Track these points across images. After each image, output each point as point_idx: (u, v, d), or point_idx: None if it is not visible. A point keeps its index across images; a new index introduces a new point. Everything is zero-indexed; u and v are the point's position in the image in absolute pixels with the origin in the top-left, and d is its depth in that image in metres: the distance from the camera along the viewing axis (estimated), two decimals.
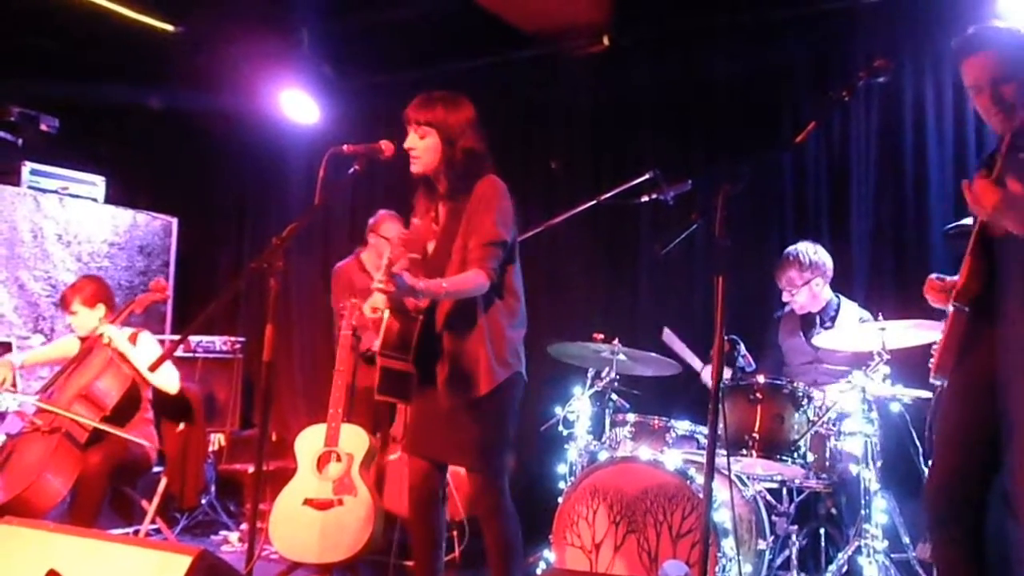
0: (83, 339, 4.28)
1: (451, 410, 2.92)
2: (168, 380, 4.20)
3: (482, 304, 2.93)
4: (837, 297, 4.26)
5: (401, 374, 2.94)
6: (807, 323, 4.26)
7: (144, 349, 4.18)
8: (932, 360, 2.62)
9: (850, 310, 4.19)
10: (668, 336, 4.23)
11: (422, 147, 2.97)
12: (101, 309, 4.24)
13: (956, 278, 2.63)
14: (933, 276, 2.71)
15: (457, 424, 2.93)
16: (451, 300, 2.89)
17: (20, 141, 5.66)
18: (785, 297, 4.22)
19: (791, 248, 4.19)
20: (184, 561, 2.04)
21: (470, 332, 2.91)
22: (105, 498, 4.12)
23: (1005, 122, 2.50)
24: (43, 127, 5.68)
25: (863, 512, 3.47)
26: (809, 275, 4.12)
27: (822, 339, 3.83)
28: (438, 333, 2.93)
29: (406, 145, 2.99)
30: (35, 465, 3.81)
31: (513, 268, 3.04)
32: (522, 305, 3.06)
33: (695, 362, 4.22)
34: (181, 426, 4.61)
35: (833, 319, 4.18)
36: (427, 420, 3.03)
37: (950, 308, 2.54)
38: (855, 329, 3.81)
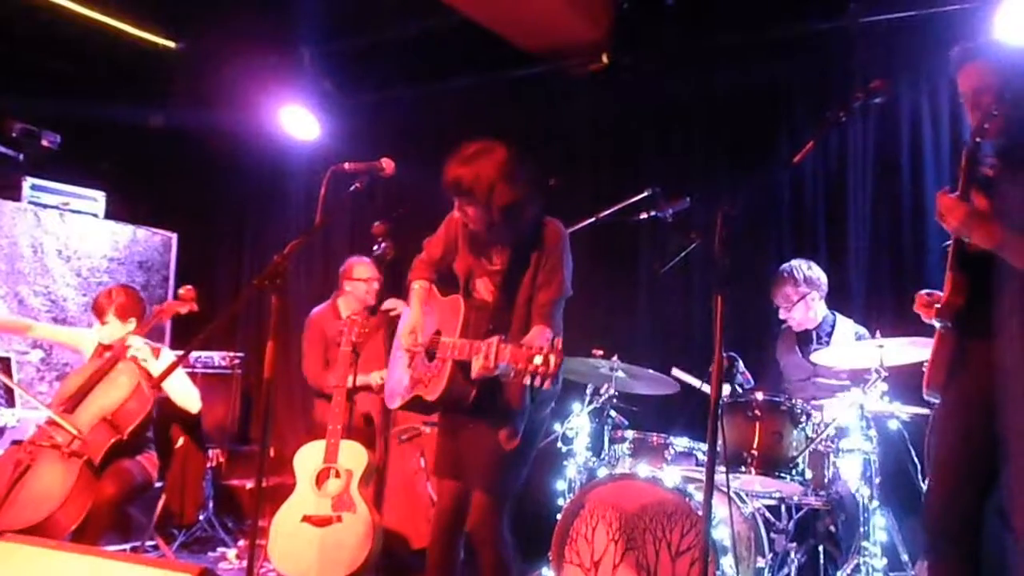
0: (105, 345, 4.19)
1: (477, 433, 2.92)
2: (190, 399, 4.13)
3: None
4: (833, 314, 4.28)
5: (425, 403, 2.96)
6: (804, 340, 4.28)
7: (165, 365, 4.12)
8: (924, 377, 2.63)
9: (846, 327, 4.22)
10: (676, 373, 4.24)
11: (471, 217, 2.96)
12: (132, 323, 4.15)
13: (939, 294, 2.66)
14: (923, 292, 2.73)
15: (482, 444, 2.93)
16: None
17: (21, 156, 5.69)
18: (782, 314, 4.25)
19: (785, 265, 4.23)
20: None
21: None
22: (114, 526, 4.03)
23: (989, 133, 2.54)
24: (44, 143, 5.72)
25: (862, 529, 3.47)
26: (804, 290, 4.16)
27: (820, 356, 3.84)
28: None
29: (455, 215, 3.04)
30: (56, 494, 3.63)
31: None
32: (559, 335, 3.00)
33: (698, 381, 4.22)
34: (180, 442, 4.60)
35: (829, 335, 4.21)
36: (454, 442, 3.03)
37: (936, 325, 2.55)
38: (853, 346, 3.82)
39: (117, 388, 3.92)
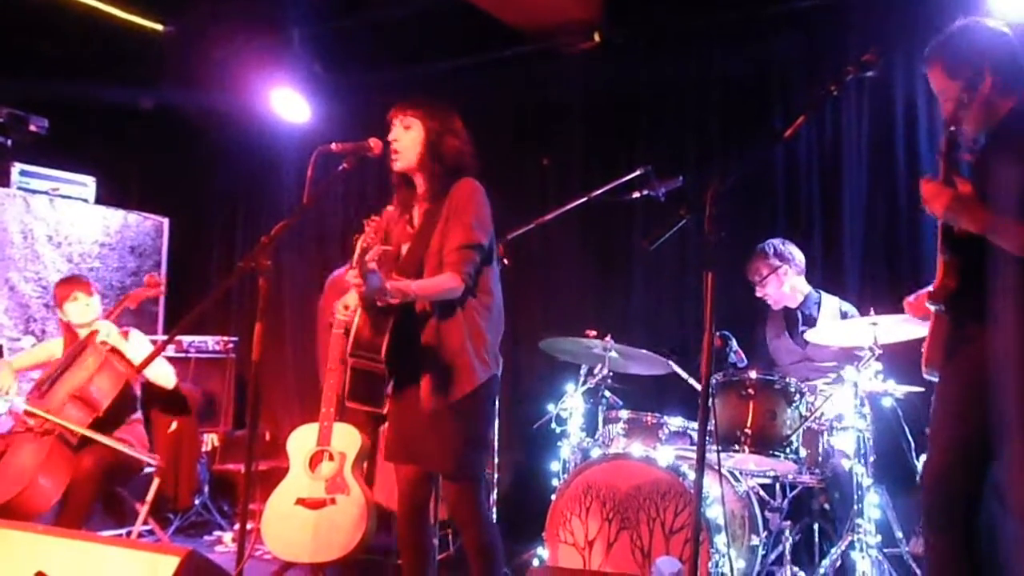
0: (73, 335, 4.25)
1: (430, 413, 2.87)
2: (164, 375, 4.19)
3: (460, 305, 2.89)
4: (817, 292, 4.28)
5: (371, 376, 2.85)
6: (790, 321, 4.27)
7: (136, 346, 4.17)
8: (923, 356, 2.63)
9: (831, 304, 4.21)
10: (671, 363, 4.22)
11: (407, 139, 2.95)
12: (97, 297, 4.28)
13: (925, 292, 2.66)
14: (909, 299, 2.80)
15: (436, 428, 2.87)
16: (429, 301, 2.86)
17: (9, 142, 5.63)
18: (757, 292, 4.25)
19: (761, 244, 4.25)
20: (172, 562, 2.02)
21: (449, 333, 2.87)
22: (96, 501, 4.10)
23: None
24: (32, 128, 5.66)
25: (856, 507, 3.47)
26: (775, 263, 4.18)
27: (814, 336, 3.83)
28: (415, 334, 2.88)
29: (390, 138, 2.97)
30: (28, 468, 3.78)
31: (490, 270, 3.00)
32: (498, 306, 3.02)
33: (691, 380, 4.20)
34: (174, 426, 4.59)
35: (815, 312, 4.21)
36: (406, 425, 2.98)
37: (931, 308, 2.55)
38: (846, 324, 3.81)
39: (83, 369, 4.03)
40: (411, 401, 2.93)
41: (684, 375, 4.05)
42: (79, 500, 3.88)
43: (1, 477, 3.79)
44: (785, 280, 4.21)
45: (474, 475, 2.93)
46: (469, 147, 3.01)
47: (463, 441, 2.88)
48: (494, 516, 3.80)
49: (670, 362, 4.04)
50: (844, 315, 4.11)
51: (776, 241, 4.25)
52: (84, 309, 4.24)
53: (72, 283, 4.30)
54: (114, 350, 4.10)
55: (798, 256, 4.24)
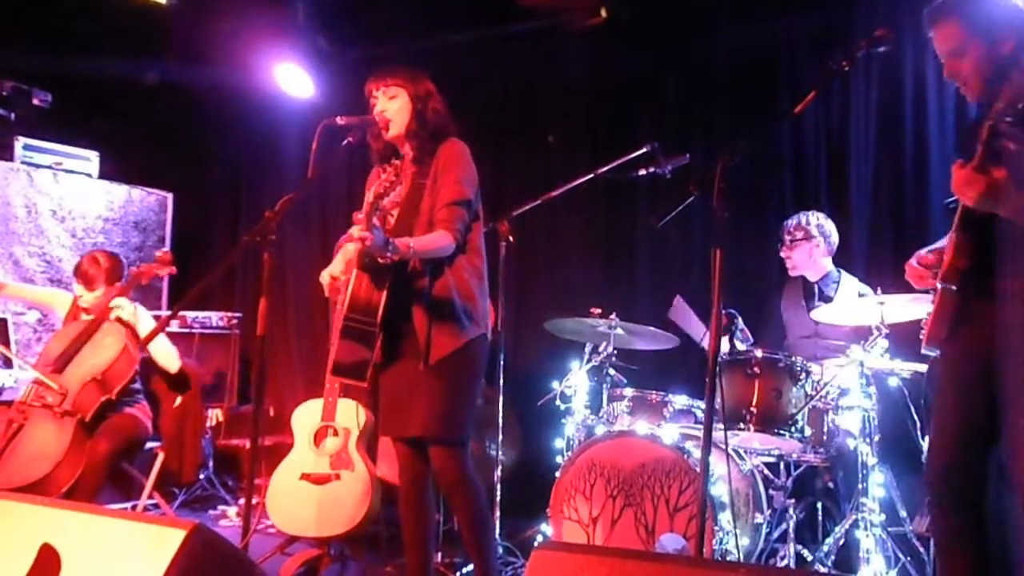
0: (83, 308, 4.18)
1: (417, 375, 2.88)
2: (167, 356, 4.16)
3: (448, 263, 2.92)
4: (838, 271, 4.26)
5: (361, 339, 2.83)
6: (808, 293, 4.27)
7: (143, 324, 4.15)
8: (923, 332, 2.60)
9: (850, 284, 4.19)
10: (679, 303, 4.21)
11: (394, 108, 2.98)
12: (116, 288, 4.18)
13: (927, 250, 2.62)
14: (912, 261, 2.68)
15: (422, 389, 2.88)
16: (417, 260, 2.87)
17: (13, 116, 5.61)
18: (782, 252, 4.24)
19: (805, 211, 4.29)
20: (178, 535, 2.02)
21: (439, 292, 2.89)
22: (106, 483, 4.06)
23: (971, 97, 2.49)
24: (36, 101, 5.64)
25: (860, 486, 3.46)
26: (814, 232, 4.19)
27: (821, 313, 3.81)
28: (408, 293, 2.89)
29: (377, 110, 2.99)
30: (52, 453, 3.68)
31: (478, 227, 3.04)
32: (485, 264, 3.06)
33: (698, 331, 4.19)
34: (178, 401, 4.59)
35: (834, 291, 4.19)
36: (395, 394, 2.99)
37: (938, 286, 2.51)
38: (853, 303, 3.79)
39: (105, 349, 3.93)
40: (400, 368, 2.94)
41: (688, 323, 4.06)
42: (91, 482, 3.78)
43: (20, 457, 3.67)
44: (814, 253, 4.23)
45: (459, 437, 2.92)
46: (447, 109, 3.06)
47: (447, 400, 2.88)
48: (498, 493, 3.80)
49: (679, 299, 4.05)
50: (861, 297, 4.09)
51: (821, 215, 4.27)
52: (97, 299, 4.14)
53: (99, 271, 4.14)
54: (129, 326, 4.02)
55: (834, 237, 4.27)
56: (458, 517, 3.02)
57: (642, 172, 3.98)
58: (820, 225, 4.22)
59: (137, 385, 4.18)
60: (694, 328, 4.22)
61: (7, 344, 4.96)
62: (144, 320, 4.17)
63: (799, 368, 3.58)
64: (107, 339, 3.95)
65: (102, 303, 4.06)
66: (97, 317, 4.01)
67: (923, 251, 2.67)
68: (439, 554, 3.75)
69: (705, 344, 4.12)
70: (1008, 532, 2.41)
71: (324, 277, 2.92)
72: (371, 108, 3.00)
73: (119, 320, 4.00)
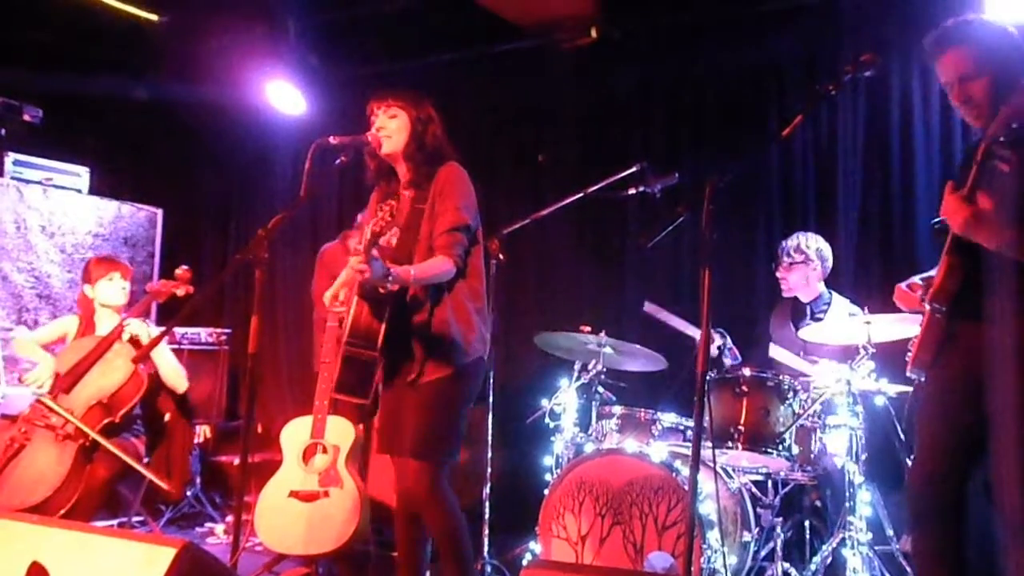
0: (90, 317, 4.15)
1: (409, 396, 2.91)
2: (179, 378, 4.14)
3: (448, 288, 2.94)
4: (830, 293, 4.30)
5: (362, 365, 2.87)
6: (798, 313, 4.30)
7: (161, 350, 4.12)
8: (909, 354, 2.62)
9: (840, 305, 4.23)
10: (651, 308, 4.22)
11: (393, 127, 3.00)
12: (128, 286, 4.17)
13: (919, 279, 2.65)
14: (901, 285, 2.72)
15: (413, 408, 2.92)
16: (417, 287, 2.89)
17: (3, 131, 5.59)
18: (777, 273, 4.26)
19: (806, 232, 4.31)
20: (168, 553, 2.02)
21: (435, 317, 2.91)
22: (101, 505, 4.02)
23: (977, 121, 2.51)
24: (26, 117, 5.63)
25: (848, 504, 3.48)
26: (812, 256, 4.22)
27: (809, 332, 3.84)
28: (409, 320, 2.92)
29: (376, 126, 3.00)
30: (52, 477, 3.63)
31: (478, 251, 3.06)
32: (485, 287, 3.09)
33: (687, 329, 4.20)
34: (167, 417, 4.57)
35: (823, 312, 4.23)
36: (394, 414, 3.01)
37: (926, 307, 2.54)
38: (841, 322, 3.82)
39: (115, 371, 3.89)
40: (397, 388, 2.96)
41: (663, 315, 4.08)
42: (87, 507, 3.75)
43: (22, 479, 3.62)
44: (810, 276, 4.27)
45: (437, 456, 2.93)
46: (446, 134, 3.08)
47: (432, 419, 2.91)
48: (486, 511, 3.80)
49: (648, 304, 4.08)
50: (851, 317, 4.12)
51: (820, 238, 4.30)
52: (119, 292, 4.14)
53: (111, 263, 4.16)
54: (140, 346, 3.96)
55: (829, 262, 4.31)
56: (430, 534, 3.03)
57: (631, 191, 4.01)
58: (819, 250, 4.25)
59: (137, 410, 4.13)
60: (676, 325, 4.23)
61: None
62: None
63: (787, 387, 3.61)
64: (117, 361, 3.91)
65: (117, 307, 4.09)
66: (109, 337, 3.97)
67: (915, 278, 2.71)
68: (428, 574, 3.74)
69: (692, 333, 4.14)
70: (992, 550, 2.42)
71: (327, 299, 2.93)
72: (370, 126, 3.02)
73: (131, 340, 3.98)
